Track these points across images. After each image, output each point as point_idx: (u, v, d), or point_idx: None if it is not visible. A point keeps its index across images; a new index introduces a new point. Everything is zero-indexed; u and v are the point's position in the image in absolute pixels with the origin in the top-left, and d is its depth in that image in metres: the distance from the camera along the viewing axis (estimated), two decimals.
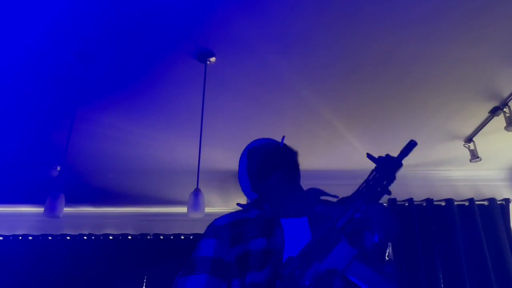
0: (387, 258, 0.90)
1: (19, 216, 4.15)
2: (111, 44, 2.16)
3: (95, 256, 3.79)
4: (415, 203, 3.33)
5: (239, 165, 1.32)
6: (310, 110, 2.70)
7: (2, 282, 3.74)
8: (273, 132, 3.09)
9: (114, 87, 2.51)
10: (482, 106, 2.61)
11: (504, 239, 3.16)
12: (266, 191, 1.19)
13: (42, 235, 3.97)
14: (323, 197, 1.18)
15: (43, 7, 1.90)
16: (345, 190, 3.84)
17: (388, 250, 0.91)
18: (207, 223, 1.17)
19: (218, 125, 2.82)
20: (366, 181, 0.94)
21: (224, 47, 2.16)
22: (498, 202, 3.31)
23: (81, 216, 4.08)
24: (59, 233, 3.97)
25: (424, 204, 3.34)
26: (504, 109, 2.55)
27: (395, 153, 0.95)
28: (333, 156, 3.34)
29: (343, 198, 1.06)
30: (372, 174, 0.94)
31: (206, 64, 2.24)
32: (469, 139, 2.98)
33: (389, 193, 0.89)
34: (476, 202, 3.30)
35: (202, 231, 1.15)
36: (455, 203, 3.31)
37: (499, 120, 2.62)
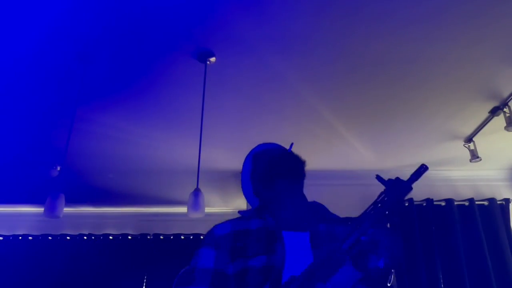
0: (389, 285, 0.89)
1: (19, 216, 4.15)
2: (111, 44, 2.16)
3: (95, 256, 3.79)
4: (415, 203, 3.33)
5: (243, 168, 1.29)
6: (310, 110, 2.70)
7: (2, 282, 3.74)
8: (273, 132, 3.11)
9: (114, 87, 2.51)
10: (482, 106, 2.61)
11: (504, 239, 3.16)
12: (269, 198, 1.16)
13: (42, 235, 3.97)
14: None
15: (43, 8, 1.90)
16: (345, 190, 3.86)
17: (391, 276, 0.89)
18: (207, 223, 1.17)
19: (218, 125, 2.82)
20: (374, 203, 0.91)
21: (224, 47, 2.16)
22: (498, 202, 3.31)
23: (81, 216, 4.08)
24: (59, 233, 3.97)
25: (424, 204, 3.34)
26: (504, 109, 2.55)
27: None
28: (333, 156, 3.34)
29: (348, 219, 1.04)
30: (381, 197, 0.92)
31: (206, 64, 2.24)
32: (469, 139, 2.98)
33: (397, 217, 0.89)
34: (476, 202, 3.30)
35: (202, 231, 1.14)
36: (455, 203, 3.31)
37: (499, 120, 2.62)
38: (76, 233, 3.97)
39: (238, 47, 2.16)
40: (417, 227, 3.23)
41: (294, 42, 2.11)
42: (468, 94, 2.51)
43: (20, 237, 3.99)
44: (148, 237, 3.89)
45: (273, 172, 1.18)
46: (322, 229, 1.06)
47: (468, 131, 2.91)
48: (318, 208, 1.18)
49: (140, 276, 3.70)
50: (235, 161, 3.51)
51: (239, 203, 3.83)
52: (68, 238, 3.95)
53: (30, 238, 3.98)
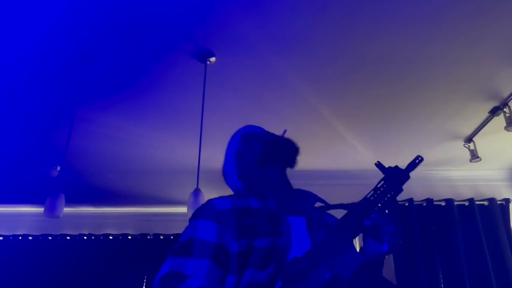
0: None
1: (19, 216, 4.15)
2: (111, 44, 2.16)
3: (95, 256, 3.79)
4: (415, 203, 3.33)
5: (229, 148, 1.25)
6: (310, 109, 2.70)
7: (2, 282, 3.74)
8: (273, 132, 3.09)
9: (114, 87, 2.51)
10: (482, 106, 2.61)
11: (504, 239, 3.16)
12: (260, 181, 1.13)
13: (42, 235, 3.97)
14: (318, 204, 1.14)
15: (43, 8, 1.90)
16: (345, 190, 3.86)
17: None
18: None
19: (218, 125, 2.81)
20: (375, 189, 0.94)
21: (224, 47, 2.16)
22: (498, 202, 3.31)
23: (81, 216, 4.08)
24: (59, 233, 3.97)
25: (424, 204, 3.34)
26: (504, 109, 2.55)
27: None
28: (333, 156, 3.34)
29: (340, 205, 1.02)
30: (380, 183, 0.94)
31: (206, 64, 2.24)
32: (469, 139, 2.98)
33: (396, 203, 0.90)
34: (476, 202, 3.30)
35: None
36: (455, 203, 3.31)
37: (499, 120, 2.62)
38: (76, 233, 3.96)
39: (238, 47, 2.16)
40: (417, 227, 3.23)
41: (294, 42, 2.11)
42: (468, 94, 2.51)
43: (20, 237, 3.99)
44: (148, 237, 3.89)
45: (269, 156, 1.16)
46: (315, 214, 1.07)
47: (468, 131, 2.91)
48: (309, 194, 1.17)
49: (140, 276, 3.70)
50: None
51: None
52: (68, 238, 3.95)
53: (30, 238, 3.98)
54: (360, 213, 0.90)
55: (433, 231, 3.23)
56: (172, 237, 3.82)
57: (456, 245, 3.14)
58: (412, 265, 3.10)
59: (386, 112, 2.73)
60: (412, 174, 0.95)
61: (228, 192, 1.22)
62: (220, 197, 1.05)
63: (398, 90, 2.49)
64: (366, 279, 0.89)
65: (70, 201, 2.59)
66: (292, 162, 1.20)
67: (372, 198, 0.92)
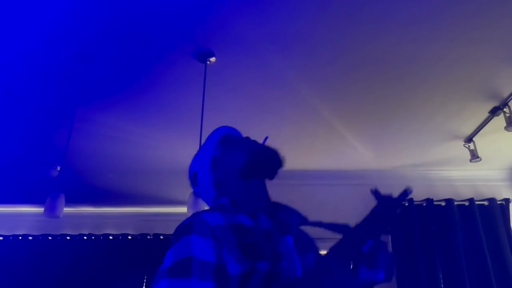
0: None
1: (19, 216, 4.15)
2: (111, 44, 2.16)
3: (95, 256, 3.79)
4: (415, 203, 3.33)
5: (203, 151, 1.14)
6: (310, 109, 2.70)
7: (2, 282, 3.74)
8: (273, 132, 3.10)
9: (114, 87, 2.51)
10: (482, 106, 2.61)
11: (504, 239, 3.16)
12: (244, 194, 1.03)
13: (42, 235, 3.97)
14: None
15: (43, 7, 1.90)
16: (345, 190, 3.84)
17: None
18: None
19: (218, 125, 2.80)
20: (372, 213, 0.92)
21: (224, 47, 2.16)
22: (498, 202, 3.31)
23: (81, 216, 4.08)
24: (59, 233, 3.97)
25: (424, 204, 3.34)
26: (504, 109, 2.55)
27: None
28: (333, 156, 3.34)
29: (318, 223, 0.98)
30: (374, 210, 0.93)
31: (206, 64, 2.24)
32: (469, 139, 2.98)
33: (388, 232, 0.89)
34: (476, 202, 3.30)
35: None
36: (455, 203, 3.31)
37: (499, 120, 2.62)
38: (76, 233, 3.96)
39: (238, 47, 2.16)
40: (417, 227, 3.23)
41: (294, 42, 2.11)
42: (468, 94, 2.51)
43: (20, 237, 3.99)
44: (148, 237, 3.89)
45: (253, 167, 1.05)
46: (300, 233, 1.03)
47: (468, 131, 2.91)
48: (291, 210, 1.07)
49: (140, 276, 3.70)
50: None
51: None
52: (68, 238, 3.95)
53: (30, 238, 3.98)
54: (358, 238, 0.87)
55: (433, 231, 3.23)
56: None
57: (456, 245, 3.14)
58: (412, 265, 3.10)
59: (386, 112, 2.73)
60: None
61: None
62: (208, 211, 0.94)
63: (398, 90, 2.49)
64: None
65: (70, 201, 2.59)
66: (274, 174, 1.10)
67: (366, 225, 0.90)
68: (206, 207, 1.15)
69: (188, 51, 2.19)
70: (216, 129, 1.20)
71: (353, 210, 3.74)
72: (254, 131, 3.19)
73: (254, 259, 0.85)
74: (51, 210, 2.23)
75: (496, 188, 3.44)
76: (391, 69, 2.30)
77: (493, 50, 2.13)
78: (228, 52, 2.20)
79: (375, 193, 0.95)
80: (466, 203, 3.31)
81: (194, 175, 1.15)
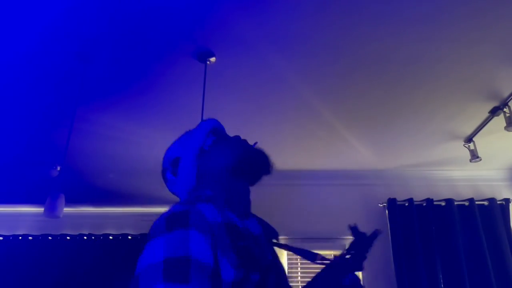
0: None
1: (19, 216, 4.15)
2: (111, 44, 2.16)
3: (95, 256, 3.79)
4: (415, 203, 3.33)
5: (191, 139, 1.07)
6: (310, 110, 2.70)
7: (2, 282, 3.74)
8: (273, 132, 3.10)
9: (114, 87, 2.51)
10: (482, 106, 2.61)
11: (504, 239, 3.16)
12: (231, 193, 0.96)
13: (42, 235, 3.97)
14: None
15: (43, 7, 1.90)
16: (345, 190, 3.83)
17: None
18: None
19: None
20: (351, 247, 0.97)
21: (224, 47, 2.16)
22: (498, 202, 3.31)
23: (81, 216, 4.08)
24: (59, 233, 3.97)
25: (424, 204, 3.34)
26: (504, 109, 2.55)
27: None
28: (333, 156, 3.34)
29: (309, 253, 0.96)
30: (352, 247, 0.97)
31: (206, 64, 2.24)
32: (469, 139, 2.98)
33: (362, 269, 0.93)
34: (476, 202, 3.30)
35: None
36: (455, 203, 3.31)
37: (499, 120, 2.62)
38: (76, 233, 3.96)
39: (238, 47, 2.16)
40: (417, 227, 3.23)
41: (295, 42, 2.11)
42: (468, 94, 2.51)
43: (20, 237, 3.99)
44: None
45: (245, 167, 0.99)
46: (271, 248, 0.99)
47: (468, 131, 2.91)
48: (265, 223, 0.99)
49: None
50: None
51: None
52: (68, 238, 3.95)
53: (30, 238, 3.98)
54: (341, 270, 0.90)
55: (433, 231, 3.23)
56: None
57: (456, 245, 3.14)
58: (412, 265, 3.11)
59: (386, 112, 2.73)
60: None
61: None
62: (203, 204, 0.83)
63: (398, 90, 2.49)
64: None
65: (70, 201, 2.59)
66: (259, 180, 1.03)
67: (348, 258, 0.94)
68: None
69: (188, 51, 2.19)
70: (207, 120, 1.13)
71: (353, 210, 3.78)
72: (254, 131, 3.21)
73: (247, 267, 0.77)
74: (51, 210, 2.23)
75: (496, 188, 3.45)
76: (391, 70, 2.30)
77: (493, 51, 2.13)
78: (228, 52, 2.20)
79: (353, 229, 0.98)
80: (466, 203, 3.32)
81: (175, 160, 1.07)
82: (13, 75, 2.37)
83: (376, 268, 3.25)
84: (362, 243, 0.95)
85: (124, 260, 3.77)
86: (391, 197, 3.37)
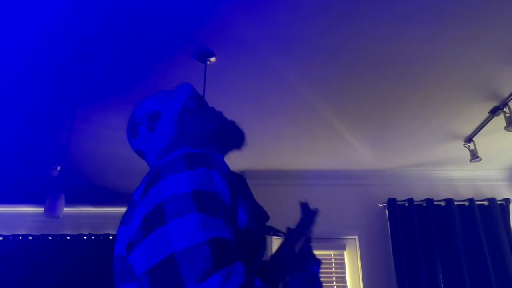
0: None
1: (19, 216, 4.15)
2: (111, 44, 2.16)
3: (95, 256, 3.79)
4: (415, 203, 3.33)
5: (174, 94, 1.02)
6: (310, 110, 2.70)
7: (2, 282, 3.74)
8: (273, 132, 3.10)
9: (114, 87, 2.51)
10: (482, 106, 2.61)
11: (504, 239, 3.16)
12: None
13: (42, 235, 3.97)
14: None
15: (42, 7, 1.90)
16: (345, 190, 3.82)
17: None
18: None
19: None
20: (301, 221, 0.95)
21: (224, 47, 2.16)
22: (498, 202, 3.31)
23: (81, 216, 4.08)
24: (59, 233, 3.97)
25: (424, 204, 3.34)
26: (504, 109, 2.55)
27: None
28: (333, 156, 3.34)
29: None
30: (300, 221, 0.94)
31: (206, 64, 2.24)
32: (469, 139, 2.99)
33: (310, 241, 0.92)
34: (476, 202, 3.30)
35: None
36: (455, 203, 3.31)
37: (499, 120, 2.62)
38: (76, 233, 3.97)
39: (238, 47, 2.16)
40: (417, 227, 3.23)
41: (295, 43, 2.11)
42: (468, 94, 2.51)
43: (20, 237, 3.99)
44: None
45: (224, 137, 0.98)
46: None
47: (468, 131, 2.92)
48: None
49: None
50: (235, 161, 3.51)
51: None
52: (68, 238, 3.95)
53: (30, 238, 3.98)
54: (295, 239, 0.89)
55: (433, 231, 3.23)
56: None
57: (456, 245, 3.14)
58: (412, 265, 3.11)
59: (387, 112, 2.73)
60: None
61: None
62: (209, 150, 0.81)
63: (398, 90, 2.49)
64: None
65: (70, 201, 2.59)
66: (228, 152, 1.01)
67: (300, 230, 0.92)
68: None
69: (188, 51, 2.19)
70: (186, 83, 1.08)
71: (353, 210, 3.78)
72: (254, 132, 3.21)
73: (255, 218, 0.76)
74: (51, 210, 2.23)
75: (496, 188, 3.45)
76: (391, 70, 2.30)
77: (493, 50, 2.13)
78: (228, 52, 2.20)
79: (303, 205, 0.96)
80: (466, 203, 3.32)
81: (154, 115, 0.99)
82: (13, 75, 2.37)
83: (376, 268, 3.25)
84: (307, 219, 0.94)
85: None
86: (391, 197, 3.37)
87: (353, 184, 3.57)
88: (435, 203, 3.32)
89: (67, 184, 2.84)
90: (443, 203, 3.32)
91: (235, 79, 2.42)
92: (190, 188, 0.66)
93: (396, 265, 3.13)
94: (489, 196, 3.35)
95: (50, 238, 3.97)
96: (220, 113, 1.06)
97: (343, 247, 3.37)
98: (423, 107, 2.65)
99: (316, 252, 0.91)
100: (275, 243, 0.91)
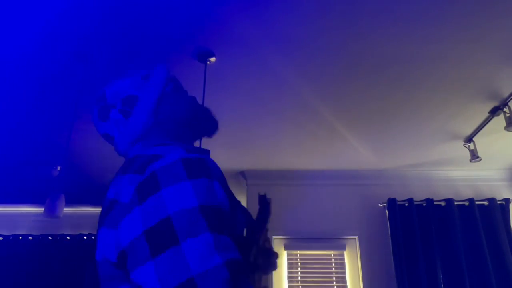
0: None
1: (19, 216, 4.16)
2: (111, 44, 2.16)
3: (95, 256, 3.79)
4: (415, 203, 3.33)
5: (151, 77, 0.96)
6: (310, 110, 2.70)
7: (2, 282, 3.74)
8: (273, 132, 3.10)
9: None
10: (482, 106, 2.61)
11: (504, 239, 3.16)
12: (182, 142, 0.93)
13: (42, 235, 3.97)
14: None
15: (42, 7, 1.90)
16: (345, 190, 3.82)
17: None
18: None
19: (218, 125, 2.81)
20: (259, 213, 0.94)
21: (224, 47, 2.16)
22: (498, 202, 3.31)
23: (81, 216, 4.08)
24: (59, 233, 3.97)
25: (424, 204, 3.34)
26: (504, 109, 2.55)
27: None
28: (333, 156, 3.34)
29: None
30: (259, 212, 0.94)
31: (206, 64, 2.24)
32: (469, 139, 2.99)
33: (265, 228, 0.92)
34: (476, 202, 3.30)
35: None
36: (455, 203, 3.31)
37: (499, 120, 2.62)
38: (76, 233, 3.97)
39: (238, 47, 2.16)
40: (417, 227, 3.24)
41: (294, 43, 2.11)
42: (468, 94, 2.51)
43: (20, 237, 3.99)
44: None
45: (197, 122, 0.98)
46: None
47: (468, 131, 2.92)
48: None
49: None
50: (235, 161, 3.51)
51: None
52: (68, 238, 3.95)
53: (30, 238, 3.99)
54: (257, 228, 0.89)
55: (433, 231, 3.24)
56: None
57: (456, 245, 3.14)
58: (412, 265, 3.11)
59: (387, 112, 2.73)
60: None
61: None
62: (204, 149, 0.84)
63: (398, 90, 2.49)
64: None
65: (70, 201, 2.59)
66: (198, 138, 1.02)
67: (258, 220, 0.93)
68: None
69: (188, 51, 2.19)
70: (163, 64, 1.02)
71: (353, 210, 3.77)
72: (254, 132, 3.21)
73: (235, 222, 0.77)
74: (51, 210, 2.23)
75: (496, 188, 3.45)
76: (391, 70, 2.30)
77: (493, 50, 2.13)
78: (228, 52, 2.20)
79: (261, 197, 0.95)
80: (466, 203, 3.32)
81: (129, 99, 0.92)
82: (13, 75, 2.37)
83: (376, 268, 3.25)
84: (264, 211, 0.93)
85: None
86: (391, 197, 3.37)
87: (353, 184, 3.58)
88: (435, 203, 3.33)
89: (67, 184, 2.84)
90: (443, 203, 3.32)
91: (235, 79, 2.42)
92: (197, 203, 0.65)
93: (396, 265, 3.13)
94: (489, 196, 3.35)
95: (50, 238, 3.97)
96: (193, 97, 1.04)
97: (343, 247, 3.37)
98: (423, 107, 2.65)
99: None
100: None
